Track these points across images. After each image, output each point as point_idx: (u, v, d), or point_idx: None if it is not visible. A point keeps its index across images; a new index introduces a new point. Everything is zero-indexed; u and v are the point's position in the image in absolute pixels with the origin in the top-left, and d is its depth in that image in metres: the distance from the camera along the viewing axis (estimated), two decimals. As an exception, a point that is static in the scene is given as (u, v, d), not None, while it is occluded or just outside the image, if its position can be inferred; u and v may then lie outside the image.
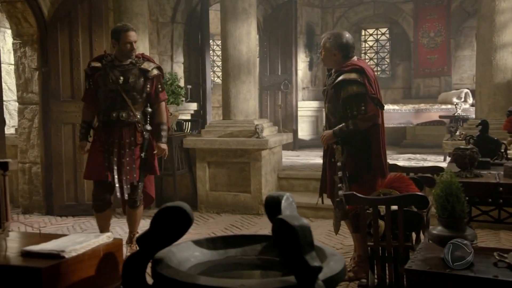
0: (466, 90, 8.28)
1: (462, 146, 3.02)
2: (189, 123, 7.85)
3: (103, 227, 4.41)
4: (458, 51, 10.04)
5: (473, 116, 7.14)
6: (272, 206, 1.67)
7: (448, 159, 7.40)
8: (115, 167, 4.19)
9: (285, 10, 9.34)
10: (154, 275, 1.47)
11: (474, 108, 7.90)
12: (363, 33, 10.88)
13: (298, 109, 9.60)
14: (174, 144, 6.08)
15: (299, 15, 9.85)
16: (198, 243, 1.72)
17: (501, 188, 2.71)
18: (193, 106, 8.60)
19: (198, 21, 8.89)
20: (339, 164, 3.37)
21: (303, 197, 6.02)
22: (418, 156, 8.19)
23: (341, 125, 3.63)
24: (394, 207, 3.04)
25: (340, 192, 3.06)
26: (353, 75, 3.60)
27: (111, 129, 4.22)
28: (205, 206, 6.20)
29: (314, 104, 10.22)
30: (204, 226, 5.57)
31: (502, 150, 3.44)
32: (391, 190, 3.39)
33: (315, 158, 7.98)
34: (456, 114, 7.37)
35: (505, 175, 2.89)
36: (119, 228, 5.58)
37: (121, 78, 4.19)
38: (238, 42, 6.12)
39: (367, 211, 3.13)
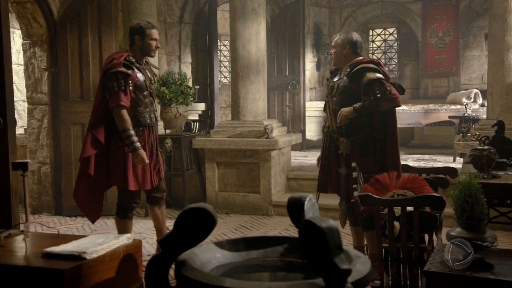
0: (475, 90, 8.23)
1: (479, 147, 2.99)
2: (197, 123, 7.84)
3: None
4: (467, 51, 9.98)
5: (483, 116, 7.10)
6: (295, 207, 1.64)
7: (458, 159, 7.38)
8: (159, 168, 4.21)
9: (293, 10, 9.32)
10: (178, 277, 1.45)
11: (484, 108, 7.86)
12: (370, 33, 10.83)
13: (306, 109, 9.58)
14: (183, 144, 6.07)
15: (307, 15, 9.82)
16: (219, 244, 1.70)
17: (520, 190, 2.68)
18: (201, 106, 8.60)
19: (206, 21, 8.88)
20: (353, 165, 3.35)
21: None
22: (427, 156, 8.15)
23: (361, 103, 3.76)
24: (409, 208, 3.02)
25: (355, 193, 3.03)
26: (371, 65, 3.81)
27: (153, 130, 4.15)
28: (214, 207, 6.09)
29: (322, 104, 10.12)
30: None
31: (518, 151, 3.41)
32: (405, 191, 3.36)
33: (323, 158, 7.93)
34: (466, 115, 7.32)
35: (523, 176, 2.86)
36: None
37: (151, 78, 4.15)
38: (247, 42, 6.10)
39: (382, 212, 3.11)
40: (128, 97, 3.90)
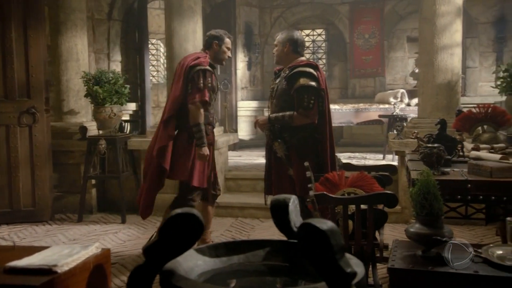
0: (402, 90, 8.57)
1: (430, 145, 3.09)
2: (129, 124, 7.58)
3: None
4: (391, 52, 10.37)
5: (411, 115, 7.40)
6: (279, 209, 1.60)
7: (388, 157, 7.66)
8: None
9: (225, 10, 9.26)
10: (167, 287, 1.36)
11: (410, 107, 8.21)
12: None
13: (238, 109, 9.56)
14: (118, 145, 5.84)
15: (237, 15, 9.79)
16: (200, 251, 1.62)
17: (469, 185, 2.79)
18: (132, 106, 8.33)
19: (136, 18, 8.61)
20: (306, 164, 3.36)
21: (251, 197, 5.99)
22: (357, 154, 8.39)
23: (280, 113, 3.88)
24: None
25: (311, 193, 3.04)
26: (308, 69, 3.87)
27: (213, 130, 4.42)
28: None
29: (254, 104, 10.22)
30: (152, 230, 5.38)
31: (459, 148, 3.56)
32: (355, 189, 3.41)
33: (258, 158, 7.96)
34: (394, 114, 7.60)
35: (469, 172, 2.98)
36: (61, 235, 5.28)
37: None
38: (184, 41, 5.97)
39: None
40: (208, 96, 4.13)
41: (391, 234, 4.82)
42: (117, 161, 5.80)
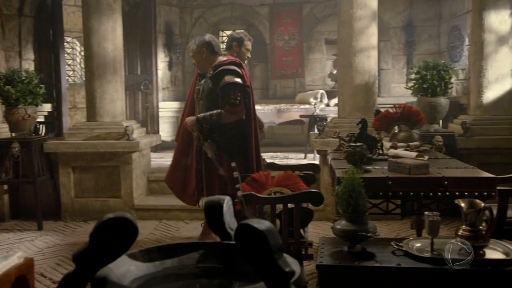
0: (321, 91, 8.80)
1: (353, 143, 3.19)
2: (44, 125, 7.23)
3: None
4: (310, 54, 10.63)
5: (331, 115, 7.63)
6: (213, 211, 1.59)
7: (310, 156, 7.83)
8: None
9: (144, 8, 9.06)
10: (102, 297, 1.30)
11: (329, 107, 8.46)
12: (221, 34, 11.00)
13: (159, 109, 9.39)
14: (34, 148, 5.54)
15: (158, 14, 9.62)
16: (132, 256, 1.57)
17: (390, 182, 2.91)
18: (47, 107, 7.93)
19: (50, 15, 8.22)
20: (233, 164, 3.36)
21: (175, 199, 5.88)
22: (279, 154, 8.52)
23: (208, 113, 3.94)
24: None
25: (239, 193, 3.04)
26: (232, 66, 3.97)
27: None
28: (70, 215, 5.77)
29: (175, 104, 10.09)
30: (72, 236, 5.18)
31: (379, 147, 3.71)
32: (282, 188, 3.46)
33: (180, 159, 7.86)
34: (315, 114, 7.79)
35: (389, 169, 3.11)
36: (-30, 245, 4.95)
37: None
38: (103, 40, 5.79)
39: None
40: None
41: (315, 231, 4.94)
42: (32, 165, 5.50)
